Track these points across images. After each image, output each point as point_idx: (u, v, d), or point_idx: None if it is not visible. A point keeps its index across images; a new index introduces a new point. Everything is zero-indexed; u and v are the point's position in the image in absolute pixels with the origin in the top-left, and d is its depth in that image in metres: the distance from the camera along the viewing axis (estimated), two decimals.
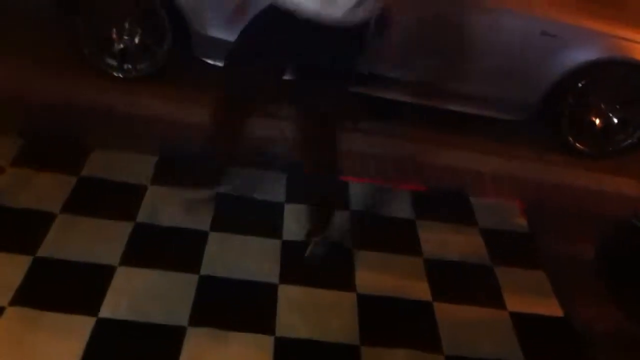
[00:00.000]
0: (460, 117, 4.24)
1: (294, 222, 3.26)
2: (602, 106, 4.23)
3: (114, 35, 4.03)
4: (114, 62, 4.07)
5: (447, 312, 2.95)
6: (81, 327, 2.56)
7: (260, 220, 3.25)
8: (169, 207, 3.18)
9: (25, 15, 4.21)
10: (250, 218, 3.24)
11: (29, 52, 4.10)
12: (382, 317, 2.88)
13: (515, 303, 3.06)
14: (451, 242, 3.36)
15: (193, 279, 2.86)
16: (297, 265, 3.03)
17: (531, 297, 3.13)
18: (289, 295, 2.88)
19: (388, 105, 4.24)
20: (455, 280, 3.14)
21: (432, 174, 3.87)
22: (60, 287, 2.71)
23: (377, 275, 3.07)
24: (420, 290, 3.04)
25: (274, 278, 2.95)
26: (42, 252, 2.82)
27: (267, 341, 2.66)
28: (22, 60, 4.00)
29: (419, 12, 3.96)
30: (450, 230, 3.44)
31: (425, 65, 4.11)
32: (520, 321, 2.98)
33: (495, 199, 3.72)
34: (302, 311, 2.82)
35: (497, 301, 3.06)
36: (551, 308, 3.10)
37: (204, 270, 2.91)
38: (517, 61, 4.04)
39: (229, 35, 3.90)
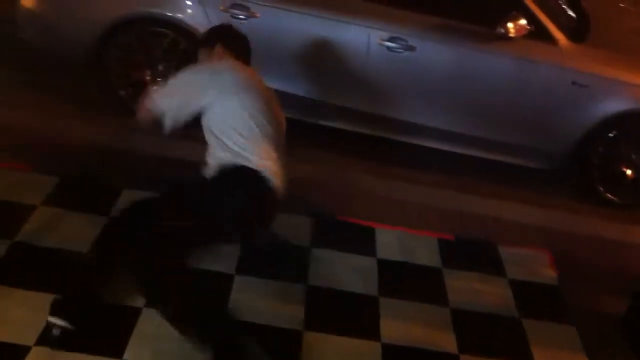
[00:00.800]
0: (490, 164, 4.23)
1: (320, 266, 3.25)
2: (633, 157, 4.19)
3: (148, 77, 4.10)
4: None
5: None
6: None
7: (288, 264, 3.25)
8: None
9: (63, 63, 4.32)
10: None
11: (67, 97, 4.25)
12: None
13: (544, 357, 3.00)
14: (479, 293, 3.32)
15: None
16: (321, 312, 3.01)
17: (560, 352, 3.07)
18: (313, 343, 2.85)
19: (416, 151, 4.25)
20: (482, 332, 3.09)
21: (460, 221, 3.84)
22: (88, 326, 2.71)
23: (402, 324, 3.03)
24: (446, 341, 3.00)
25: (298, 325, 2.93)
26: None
27: None
28: (60, 104, 4.15)
29: (449, 61, 4.03)
30: (478, 280, 3.40)
31: (454, 113, 4.13)
32: None
33: (525, 249, 3.68)
34: (325, 357, 2.79)
35: (524, 355, 3.00)
36: None
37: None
38: (548, 111, 4.05)
39: None
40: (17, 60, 4.55)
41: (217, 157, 2.81)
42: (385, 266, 3.36)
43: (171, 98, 2.88)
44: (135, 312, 2.82)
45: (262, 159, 2.78)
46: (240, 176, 2.75)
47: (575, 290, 3.45)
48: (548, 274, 3.53)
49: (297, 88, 4.10)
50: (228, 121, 2.79)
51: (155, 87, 3.05)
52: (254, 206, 2.79)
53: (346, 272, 3.27)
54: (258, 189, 2.76)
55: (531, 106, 4.05)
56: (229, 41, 3.11)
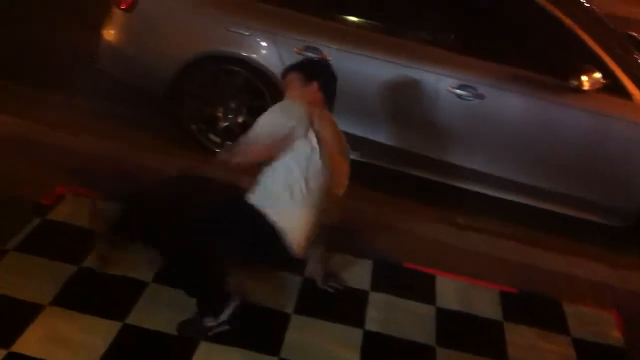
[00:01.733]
0: (560, 218, 4.14)
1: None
2: None
3: (220, 114, 4.21)
4: (217, 139, 4.25)
5: None
6: None
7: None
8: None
9: (138, 95, 4.49)
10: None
11: (140, 128, 4.43)
12: None
13: None
14: (540, 349, 3.21)
15: None
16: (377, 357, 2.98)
17: None
18: None
19: (484, 200, 4.21)
20: None
21: (525, 275, 3.75)
22: (145, 356, 2.76)
23: None
24: None
25: None
26: (130, 319, 2.91)
27: None
28: (134, 135, 4.32)
29: (519, 111, 3.99)
30: (540, 337, 3.29)
31: (523, 163, 4.08)
32: None
33: (591, 308, 3.56)
34: None
35: None
36: None
37: (284, 354, 2.91)
38: (621, 166, 3.95)
39: None
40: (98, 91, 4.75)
41: (268, 191, 2.86)
42: (444, 315, 3.30)
43: (259, 147, 2.90)
44: (194, 345, 2.85)
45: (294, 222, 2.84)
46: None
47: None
48: (614, 336, 3.39)
49: (365, 130, 4.12)
50: (295, 172, 2.82)
51: (242, 138, 3.06)
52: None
53: (403, 318, 3.23)
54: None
55: (603, 161, 3.97)
56: (326, 81, 3.12)
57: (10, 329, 2.73)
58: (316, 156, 2.82)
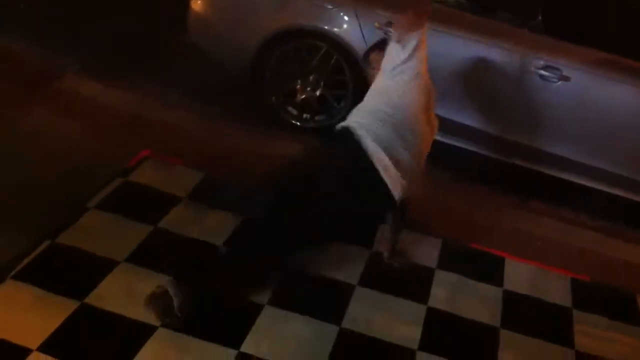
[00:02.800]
0: (636, 208, 4.00)
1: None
2: None
3: (298, 87, 4.26)
4: (294, 112, 4.31)
5: None
6: (224, 357, 2.68)
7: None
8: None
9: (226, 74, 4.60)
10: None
11: (220, 102, 4.53)
12: None
13: None
14: (609, 339, 3.13)
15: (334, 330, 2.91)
16: (438, 335, 2.98)
17: None
18: None
19: (563, 186, 4.10)
20: None
21: (600, 265, 3.65)
22: (211, 316, 2.85)
23: (522, 358, 2.93)
24: None
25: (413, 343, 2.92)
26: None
27: None
28: (222, 112, 4.43)
29: (604, 95, 3.86)
30: (610, 327, 3.21)
31: (607, 150, 3.94)
32: None
33: None
34: None
35: None
36: None
37: (345, 324, 2.94)
38: None
39: None
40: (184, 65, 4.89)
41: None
42: (511, 298, 3.26)
43: None
44: (258, 308, 2.92)
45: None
46: None
47: None
48: None
49: (446, 111, 4.07)
50: None
51: None
52: None
53: (469, 298, 3.21)
54: None
55: None
56: None
57: (85, 282, 2.86)
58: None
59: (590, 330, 3.17)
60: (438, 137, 3.92)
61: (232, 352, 2.70)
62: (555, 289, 3.38)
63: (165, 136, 4.03)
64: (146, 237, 3.18)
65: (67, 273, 2.92)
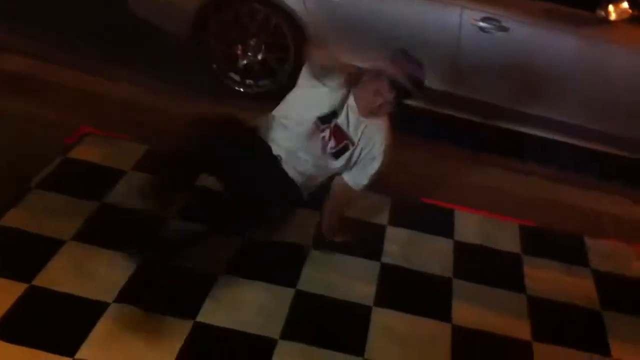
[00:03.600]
0: (585, 154, 4.07)
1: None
2: None
3: (239, 52, 4.20)
4: (236, 77, 4.25)
5: (546, 354, 2.81)
6: (180, 329, 2.65)
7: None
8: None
9: (163, 39, 4.49)
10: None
11: (166, 69, 4.41)
12: (476, 352, 2.79)
13: (622, 351, 2.88)
14: (559, 282, 3.21)
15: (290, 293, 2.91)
16: (393, 290, 3.01)
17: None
18: (382, 319, 2.86)
19: (511, 138, 4.15)
20: (558, 322, 3.00)
21: (548, 211, 3.72)
22: (163, 289, 2.81)
23: (475, 308, 2.98)
24: (520, 328, 2.92)
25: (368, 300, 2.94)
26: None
27: None
28: (162, 81, 4.32)
29: (544, 44, 3.89)
30: (559, 270, 3.29)
31: (548, 98, 3.99)
32: None
33: (612, 242, 3.53)
34: (394, 337, 2.78)
35: (601, 348, 2.89)
36: None
37: (300, 286, 2.95)
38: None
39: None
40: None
41: None
42: (462, 249, 3.31)
43: None
44: (212, 278, 2.90)
45: None
46: None
47: None
48: (635, 268, 3.37)
49: None
50: None
51: None
52: None
53: (421, 251, 3.24)
54: None
55: (628, 94, 3.85)
56: None
57: (32, 263, 2.80)
58: None
59: (540, 274, 3.24)
60: None
61: (188, 323, 2.68)
62: (505, 237, 3.45)
63: (108, 110, 3.93)
64: (92, 214, 3.11)
65: (13, 255, 2.84)
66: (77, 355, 2.46)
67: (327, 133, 2.92)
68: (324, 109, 2.91)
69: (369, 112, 2.91)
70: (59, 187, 3.23)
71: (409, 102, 4.07)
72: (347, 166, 2.98)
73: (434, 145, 4.22)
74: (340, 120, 2.92)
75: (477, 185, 3.84)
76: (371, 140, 2.94)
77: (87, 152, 3.51)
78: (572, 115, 4.00)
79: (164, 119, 3.86)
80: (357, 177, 3.00)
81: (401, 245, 3.26)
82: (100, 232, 3.02)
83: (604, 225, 3.67)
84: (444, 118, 4.17)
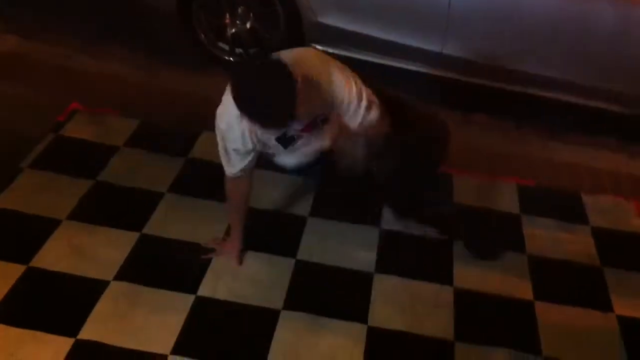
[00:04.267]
0: (579, 112, 4.03)
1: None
2: None
3: (227, 21, 4.13)
4: (225, 47, 4.19)
5: (548, 313, 2.81)
6: (182, 304, 2.64)
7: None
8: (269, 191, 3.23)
9: (149, 11, 4.39)
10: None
11: (153, 45, 4.34)
12: (479, 314, 2.79)
13: (624, 307, 2.87)
14: (558, 240, 3.20)
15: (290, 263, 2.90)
16: (394, 256, 3.00)
17: None
18: (384, 286, 2.85)
19: (502, 96, 4.09)
20: (559, 280, 2.99)
21: (546, 169, 3.69)
22: (163, 265, 2.81)
23: (476, 270, 2.97)
24: (522, 288, 2.92)
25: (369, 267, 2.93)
26: (147, 229, 2.95)
27: (360, 330, 2.64)
28: (146, 54, 4.25)
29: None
30: (558, 228, 3.27)
31: (539, 54, 3.92)
32: (628, 326, 2.79)
33: (611, 198, 3.52)
34: (397, 303, 2.78)
35: (604, 304, 2.88)
36: None
37: (300, 256, 2.94)
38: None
39: (340, 22, 3.95)
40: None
41: None
42: (461, 211, 3.29)
43: None
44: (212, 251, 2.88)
45: None
46: None
47: None
48: (635, 223, 3.35)
49: (369, 28, 4.00)
50: None
51: None
52: None
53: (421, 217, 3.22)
54: None
55: (622, 48, 3.80)
56: None
57: (29, 245, 2.79)
58: None
59: (539, 233, 3.22)
60: (379, 60, 3.97)
61: (190, 298, 2.67)
62: (503, 197, 3.42)
63: (99, 88, 3.88)
64: (87, 192, 3.08)
65: (8, 238, 2.84)
66: (80, 335, 2.46)
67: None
68: None
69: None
70: (51, 166, 3.20)
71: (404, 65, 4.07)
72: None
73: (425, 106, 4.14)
74: None
75: (473, 147, 3.80)
76: None
77: (78, 129, 3.47)
78: (563, 71, 3.94)
79: (154, 93, 3.82)
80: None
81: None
82: (96, 210, 3.00)
83: (601, 181, 3.65)
84: (432, 79, 4.11)
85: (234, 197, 2.73)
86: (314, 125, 2.56)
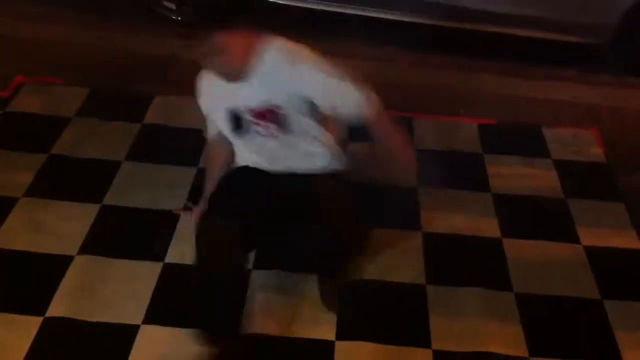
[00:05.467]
0: (534, 43, 4.01)
1: None
2: None
3: None
4: (171, 5, 4.07)
5: (516, 249, 2.83)
6: (150, 272, 2.60)
7: None
8: None
9: None
10: None
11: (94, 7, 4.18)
12: (448, 256, 2.80)
13: (590, 237, 2.91)
14: (521, 175, 3.22)
15: None
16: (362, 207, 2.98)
17: (607, 230, 2.95)
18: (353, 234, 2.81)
19: (455, 34, 4.06)
20: (525, 216, 3.01)
21: (504, 105, 3.70)
22: (127, 235, 2.76)
23: (442, 213, 2.97)
24: (489, 227, 2.93)
25: None
26: (107, 200, 2.89)
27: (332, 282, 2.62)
28: (87, 15, 4.09)
29: None
30: (521, 164, 3.29)
31: None
32: (596, 255, 2.83)
33: (571, 129, 3.54)
34: (368, 253, 2.77)
35: (570, 235, 2.92)
36: (629, 240, 2.92)
37: None
38: None
39: None
40: None
41: None
42: (423, 156, 3.26)
43: None
44: (174, 216, 2.82)
45: None
46: None
47: (624, 168, 3.30)
48: (595, 153, 3.39)
49: None
50: None
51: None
52: None
53: (377, 165, 3.20)
54: None
55: None
56: None
57: None
58: None
59: (503, 171, 3.24)
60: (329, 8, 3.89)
61: (158, 265, 2.63)
62: (464, 138, 3.42)
63: (42, 54, 3.75)
64: (41, 167, 3.00)
65: None
66: (48, 313, 2.41)
67: None
68: None
69: None
70: (2, 144, 3.10)
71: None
72: None
73: (380, 50, 4.10)
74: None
75: (431, 87, 3.78)
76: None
77: (26, 102, 3.37)
78: (514, 4, 3.90)
79: (100, 57, 3.71)
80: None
81: (363, 161, 3.20)
82: (54, 185, 2.93)
83: (563, 114, 3.66)
84: (384, 22, 4.05)
85: (207, 162, 2.66)
86: (274, 117, 2.29)
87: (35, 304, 2.44)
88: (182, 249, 2.69)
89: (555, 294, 2.66)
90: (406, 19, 4.03)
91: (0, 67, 3.58)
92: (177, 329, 2.41)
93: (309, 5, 3.95)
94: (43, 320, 2.38)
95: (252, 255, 2.68)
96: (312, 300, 2.56)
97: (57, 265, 2.58)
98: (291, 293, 2.58)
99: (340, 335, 2.45)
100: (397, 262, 2.74)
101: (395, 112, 3.45)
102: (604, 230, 2.96)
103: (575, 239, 2.91)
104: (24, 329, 2.35)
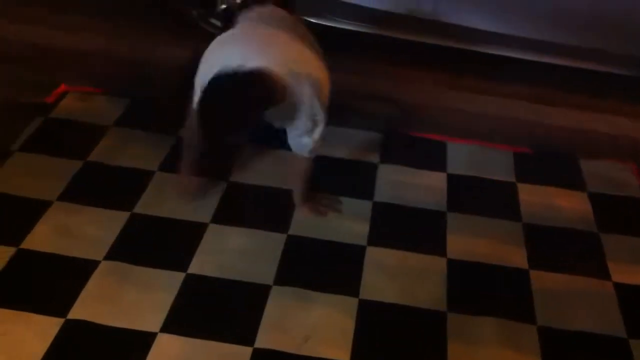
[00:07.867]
0: (575, 75, 3.95)
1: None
2: None
3: None
4: (218, 23, 4.14)
5: (543, 281, 2.77)
6: (171, 281, 2.63)
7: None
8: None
9: None
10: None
11: (144, 22, 4.28)
12: (472, 284, 2.76)
13: (621, 273, 2.83)
14: (555, 207, 3.15)
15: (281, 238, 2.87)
16: (386, 227, 2.97)
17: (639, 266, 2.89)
18: (376, 257, 2.82)
19: (492, 61, 4.01)
20: (555, 247, 2.95)
21: (540, 134, 3.65)
22: (153, 243, 2.80)
23: (469, 239, 2.94)
24: (516, 256, 2.88)
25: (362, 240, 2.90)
26: (138, 209, 2.93)
27: (352, 303, 2.62)
28: (137, 29, 4.20)
29: None
30: (554, 194, 3.23)
31: (530, 17, 3.83)
32: (625, 293, 2.75)
33: (609, 162, 3.46)
34: (389, 275, 2.75)
35: (600, 271, 2.84)
36: None
37: (292, 231, 2.91)
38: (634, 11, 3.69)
39: None
40: None
41: None
42: (455, 181, 3.25)
43: None
44: (203, 227, 2.87)
45: None
46: None
47: None
48: (632, 187, 3.31)
49: None
50: None
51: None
52: None
53: (414, 187, 3.19)
54: None
55: (616, 6, 3.71)
56: None
57: (19, 226, 2.77)
58: None
59: (535, 200, 3.18)
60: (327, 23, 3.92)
61: (180, 275, 2.66)
62: (498, 165, 3.38)
63: (82, 65, 3.84)
64: (77, 173, 3.07)
65: None
66: (69, 315, 2.45)
67: None
68: None
69: None
70: (41, 149, 3.18)
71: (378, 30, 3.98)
72: None
73: (411, 74, 4.08)
74: None
75: (464, 112, 3.74)
76: None
77: (66, 110, 3.45)
78: (556, 33, 3.83)
79: (139, 69, 3.78)
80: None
81: (393, 183, 3.20)
82: (86, 191, 2.99)
83: (600, 145, 3.59)
84: (416, 45, 4.03)
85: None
86: None
87: (58, 305, 2.48)
88: (205, 259, 2.72)
89: (580, 330, 2.59)
90: (441, 42, 4.01)
91: (43, 76, 3.67)
92: (194, 339, 2.42)
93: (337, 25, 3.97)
94: (64, 322, 2.42)
95: (273, 271, 2.70)
96: (329, 320, 2.55)
97: (82, 270, 2.63)
98: (308, 311, 2.57)
99: (355, 357, 2.42)
100: (419, 286, 2.71)
101: (430, 135, 3.49)
102: (635, 267, 2.88)
103: (605, 275, 2.83)
104: (44, 329, 2.39)
